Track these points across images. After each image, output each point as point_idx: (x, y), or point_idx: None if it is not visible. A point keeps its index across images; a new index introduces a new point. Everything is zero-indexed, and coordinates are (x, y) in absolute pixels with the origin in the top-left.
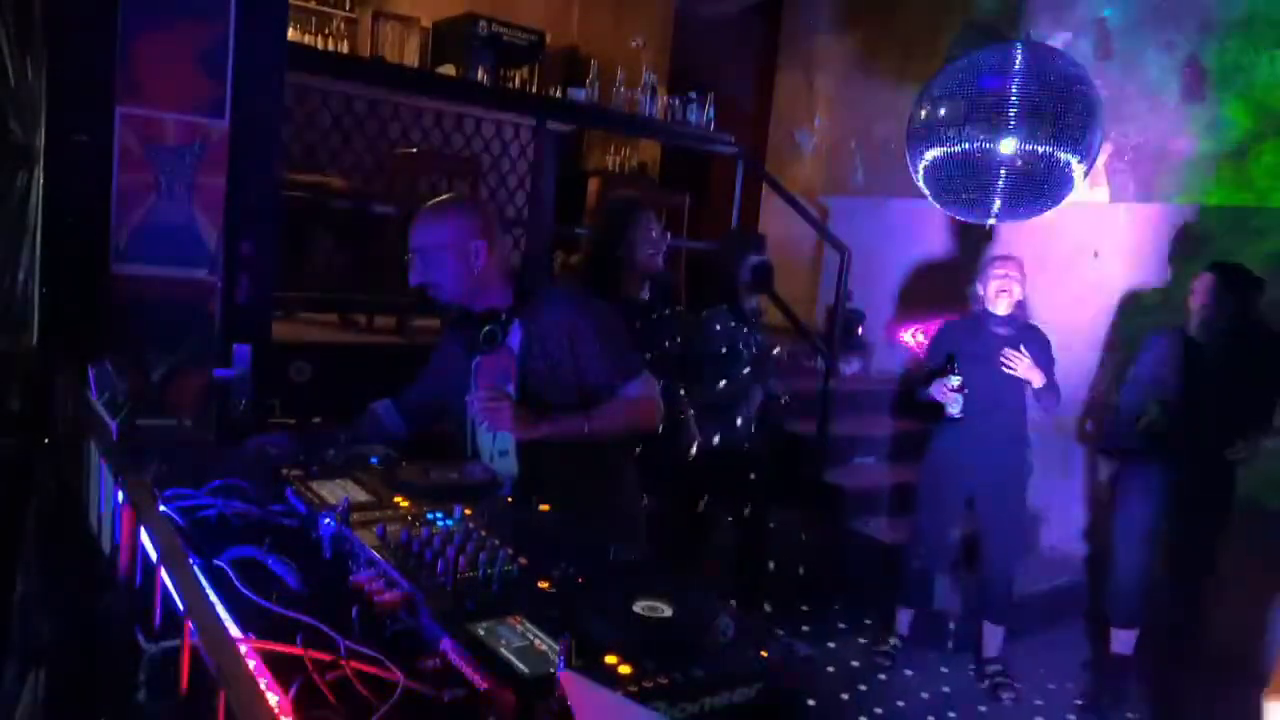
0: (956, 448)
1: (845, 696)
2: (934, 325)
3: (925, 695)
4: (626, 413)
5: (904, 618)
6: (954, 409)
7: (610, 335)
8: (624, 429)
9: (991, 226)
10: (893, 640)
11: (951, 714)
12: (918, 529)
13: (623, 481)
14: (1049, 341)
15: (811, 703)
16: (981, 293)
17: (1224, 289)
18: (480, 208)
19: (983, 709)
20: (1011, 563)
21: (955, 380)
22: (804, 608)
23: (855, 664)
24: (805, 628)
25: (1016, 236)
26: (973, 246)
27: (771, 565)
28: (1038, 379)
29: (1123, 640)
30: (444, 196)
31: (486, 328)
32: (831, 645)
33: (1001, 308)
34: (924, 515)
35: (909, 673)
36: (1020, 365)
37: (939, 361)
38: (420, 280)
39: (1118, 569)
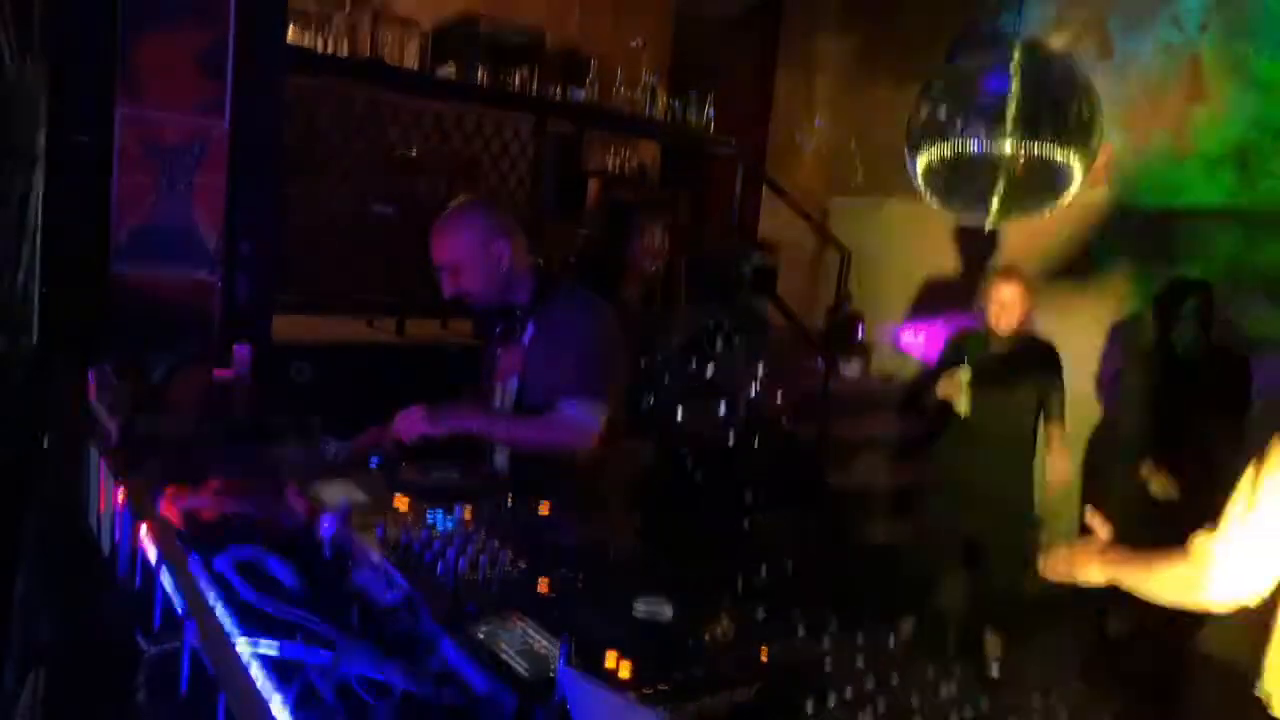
0: (960, 452)
1: (846, 697)
2: (934, 325)
3: (924, 697)
4: (556, 429)
5: (907, 620)
6: (961, 406)
7: (586, 346)
8: (550, 445)
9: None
10: (895, 643)
11: (952, 717)
12: (921, 531)
13: (608, 479)
14: (1057, 359)
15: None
16: (984, 307)
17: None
18: (493, 207)
19: (984, 712)
20: (1013, 567)
21: (965, 375)
22: (805, 608)
23: (854, 666)
24: (805, 628)
25: (1017, 237)
26: (973, 247)
27: (773, 565)
28: None
29: None
30: (454, 203)
31: (500, 325)
32: (831, 646)
33: (1002, 328)
34: (927, 518)
35: (909, 675)
36: None
37: (949, 363)
38: (453, 293)
39: None
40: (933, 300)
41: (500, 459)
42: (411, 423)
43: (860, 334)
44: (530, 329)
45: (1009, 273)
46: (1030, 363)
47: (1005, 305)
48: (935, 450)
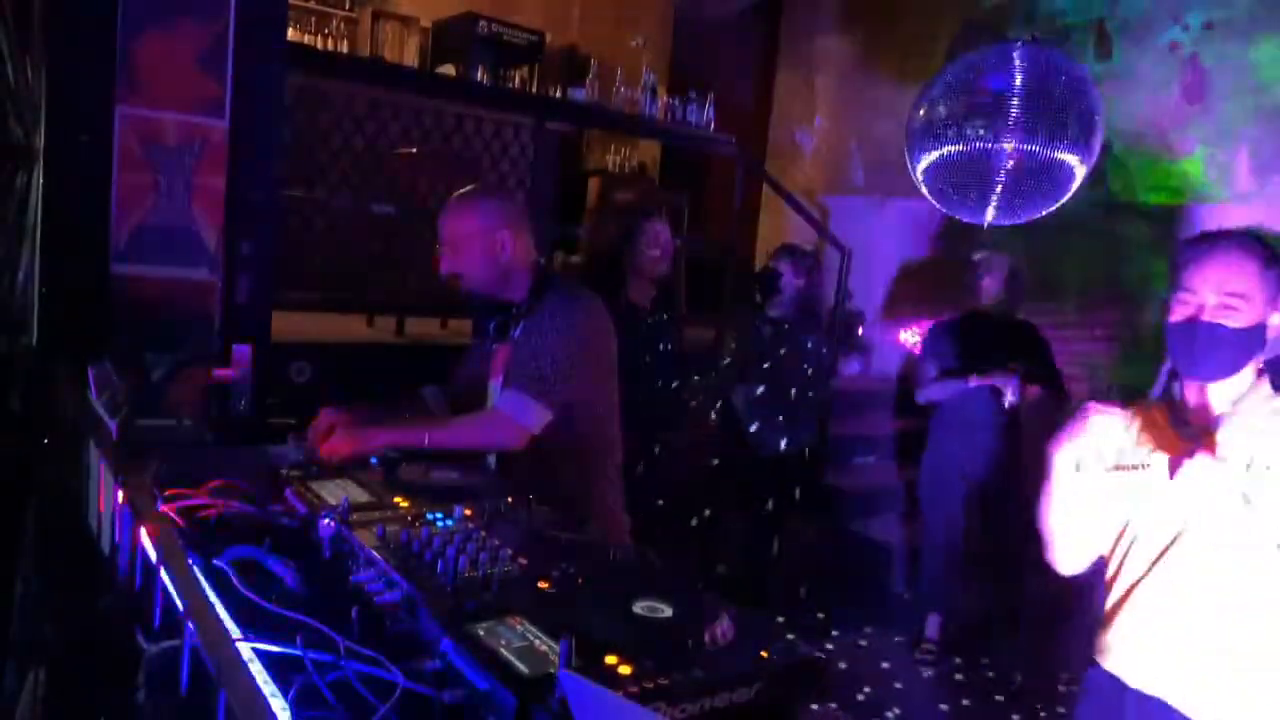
0: (953, 446)
1: (854, 698)
2: (928, 320)
3: (927, 693)
4: (481, 429)
5: (933, 623)
6: (1010, 396)
7: (544, 343)
8: (475, 446)
9: (991, 226)
10: (926, 646)
11: (964, 714)
12: (924, 531)
13: (600, 482)
14: (1039, 338)
15: (833, 705)
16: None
17: None
18: (507, 199)
19: (996, 709)
20: (1017, 558)
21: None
22: (806, 608)
23: (845, 666)
24: (804, 628)
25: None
26: (973, 247)
27: (773, 565)
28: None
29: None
30: (471, 186)
31: (495, 321)
32: (832, 646)
33: (982, 300)
34: (928, 516)
35: (909, 675)
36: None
37: (935, 359)
38: (449, 269)
39: None
40: (928, 295)
41: (490, 459)
42: (336, 445)
43: (860, 333)
44: (521, 328)
45: (995, 253)
46: (1012, 340)
47: (978, 278)
48: (932, 436)
